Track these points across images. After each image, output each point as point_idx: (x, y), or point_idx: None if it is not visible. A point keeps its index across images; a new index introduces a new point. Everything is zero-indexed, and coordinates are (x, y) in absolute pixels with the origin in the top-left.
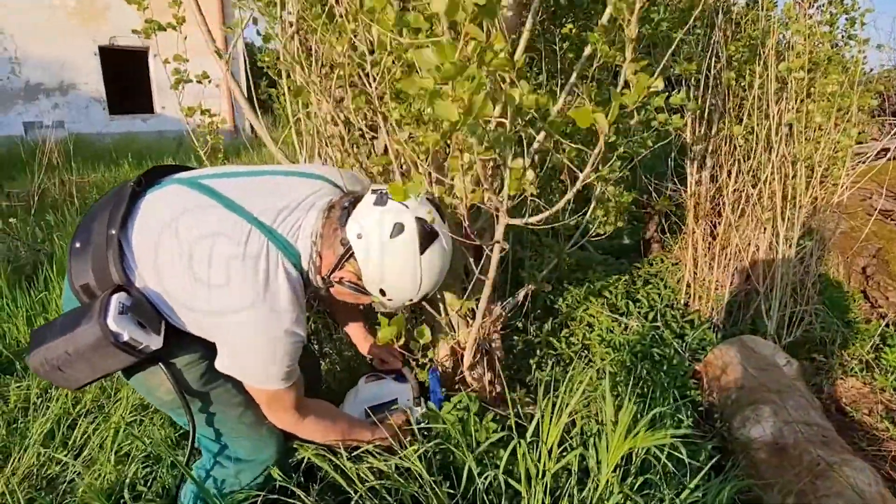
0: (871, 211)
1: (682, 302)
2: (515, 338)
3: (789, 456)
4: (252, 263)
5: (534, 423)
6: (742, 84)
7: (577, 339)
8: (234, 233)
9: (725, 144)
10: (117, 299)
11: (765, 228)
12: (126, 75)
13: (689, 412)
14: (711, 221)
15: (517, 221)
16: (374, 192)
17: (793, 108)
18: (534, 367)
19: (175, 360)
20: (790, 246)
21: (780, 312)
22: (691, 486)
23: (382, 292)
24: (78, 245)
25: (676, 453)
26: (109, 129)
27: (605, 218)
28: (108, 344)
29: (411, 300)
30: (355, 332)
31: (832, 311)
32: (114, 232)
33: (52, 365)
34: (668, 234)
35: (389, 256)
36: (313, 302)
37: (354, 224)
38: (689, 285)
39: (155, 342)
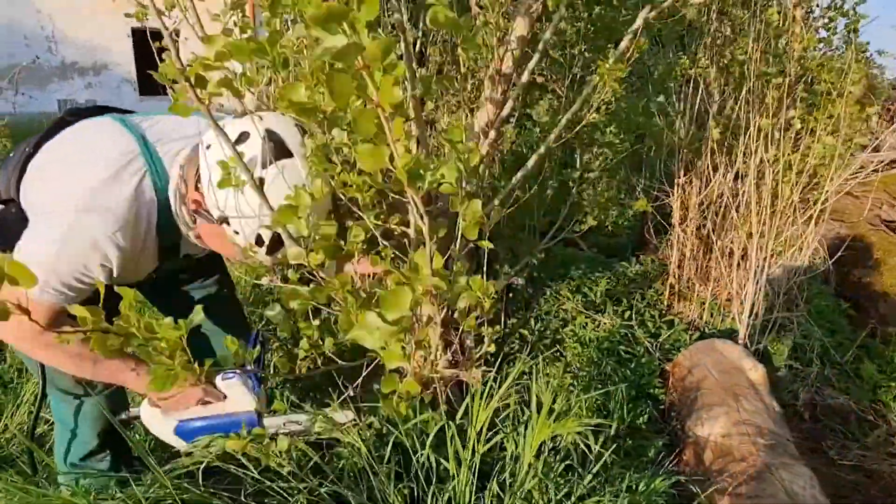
0: (877, 222)
1: (666, 303)
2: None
3: (733, 457)
4: (116, 157)
5: (463, 407)
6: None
7: (550, 334)
8: (117, 139)
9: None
10: None
11: (741, 234)
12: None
13: (646, 409)
14: (697, 224)
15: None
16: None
17: (773, 114)
18: (501, 358)
19: None
20: (762, 251)
21: (752, 318)
22: (612, 475)
23: (226, 221)
24: (10, 154)
25: (629, 445)
26: (139, 109)
27: (584, 217)
28: None
29: (259, 236)
30: None
31: (817, 320)
32: (26, 149)
33: None
34: (651, 235)
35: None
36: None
37: (207, 137)
38: (672, 286)
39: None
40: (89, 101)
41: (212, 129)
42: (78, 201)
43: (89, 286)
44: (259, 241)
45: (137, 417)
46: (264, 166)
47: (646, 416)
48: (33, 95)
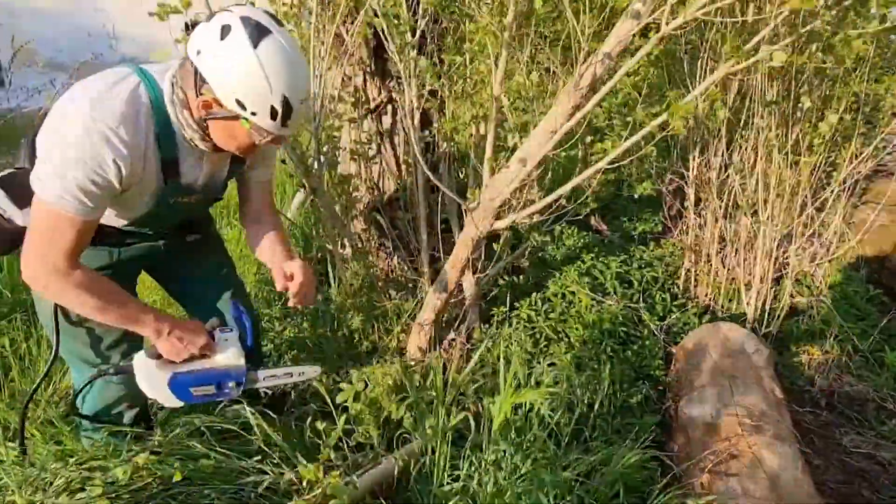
0: None
1: (681, 286)
2: (494, 310)
3: (718, 437)
4: (110, 75)
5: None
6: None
7: (556, 315)
8: (112, 69)
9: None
10: (3, 172)
11: (746, 214)
12: None
13: (643, 389)
14: (713, 206)
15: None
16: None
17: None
18: (507, 338)
19: None
20: (765, 234)
21: (761, 301)
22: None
23: (241, 105)
24: (21, 142)
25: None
26: None
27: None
28: None
29: (273, 107)
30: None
31: (841, 306)
32: (38, 125)
33: None
34: (668, 218)
35: (226, 59)
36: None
37: (192, 46)
38: (688, 270)
39: (20, 216)
40: None
41: (193, 37)
42: (81, 111)
43: (105, 190)
44: (273, 113)
45: (128, 371)
46: (255, 47)
47: (641, 396)
48: None
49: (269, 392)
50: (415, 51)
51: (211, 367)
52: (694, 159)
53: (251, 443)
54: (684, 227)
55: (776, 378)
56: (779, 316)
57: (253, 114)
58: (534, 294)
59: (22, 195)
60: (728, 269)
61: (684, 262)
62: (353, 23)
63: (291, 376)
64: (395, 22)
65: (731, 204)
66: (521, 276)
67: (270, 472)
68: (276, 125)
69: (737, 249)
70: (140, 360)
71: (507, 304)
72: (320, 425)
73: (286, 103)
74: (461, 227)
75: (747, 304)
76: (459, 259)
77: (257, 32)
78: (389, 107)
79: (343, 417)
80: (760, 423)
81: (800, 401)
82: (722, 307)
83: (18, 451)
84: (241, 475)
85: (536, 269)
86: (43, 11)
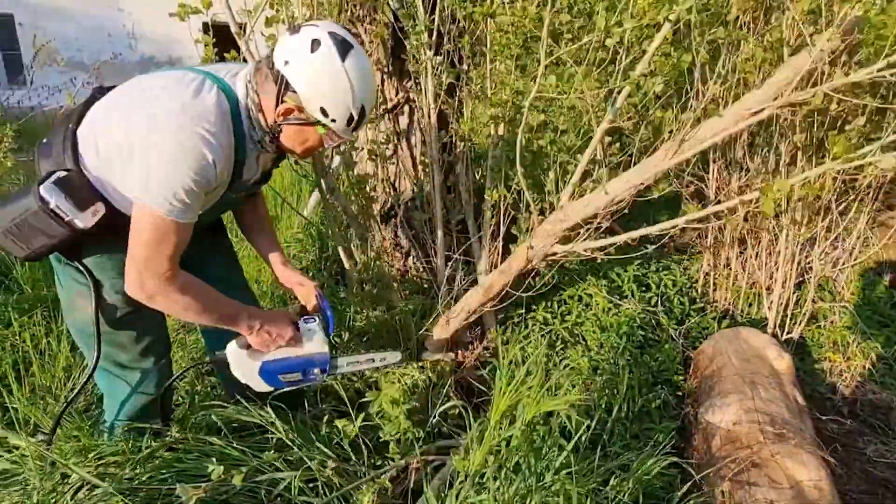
0: None
1: (700, 290)
2: (511, 313)
3: (740, 444)
4: (186, 82)
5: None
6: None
7: (572, 318)
8: (176, 72)
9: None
10: (56, 175)
11: (768, 218)
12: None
13: (661, 394)
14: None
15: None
16: (287, 29)
17: None
18: (522, 341)
19: (107, 295)
20: (787, 238)
21: (783, 307)
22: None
23: (324, 112)
24: (45, 141)
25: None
26: None
27: None
28: (40, 210)
29: (352, 114)
30: (273, 259)
31: (864, 312)
32: (69, 125)
33: (4, 230)
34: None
35: (317, 70)
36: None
37: (279, 56)
38: (707, 274)
39: (80, 218)
40: None
41: (280, 49)
42: (174, 116)
43: (204, 190)
44: (350, 120)
45: (222, 360)
46: (343, 60)
47: (659, 401)
48: None
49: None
50: (432, 51)
51: (297, 355)
52: (714, 161)
53: (267, 441)
54: (703, 230)
55: (798, 385)
56: (800, 321)
57: (333, 120)
58: (550, 296)
59: (80, 198)
60: (748, 274)
61: (703, 265)
62: (370, 23)
63: (374, 362)
64: (413, 22)
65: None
66: (536, 278)
67: (285, 471)
68: (349, 130)
69: (757, 253)
70: (233, 350)
71: (523, 306)
72: (340, 423)
73: (362, 111)
74: (478, 228)
75: (768, 308)
76: (511, 270)
77: (343, 47)
78: (406, 107)
79: (361, 416)
80: (783, 430)
81: (822, 408)
82: (742, 312)
83: (43, 445)
84: (258, 472)
85: (552, 270)
86: (64, 11)
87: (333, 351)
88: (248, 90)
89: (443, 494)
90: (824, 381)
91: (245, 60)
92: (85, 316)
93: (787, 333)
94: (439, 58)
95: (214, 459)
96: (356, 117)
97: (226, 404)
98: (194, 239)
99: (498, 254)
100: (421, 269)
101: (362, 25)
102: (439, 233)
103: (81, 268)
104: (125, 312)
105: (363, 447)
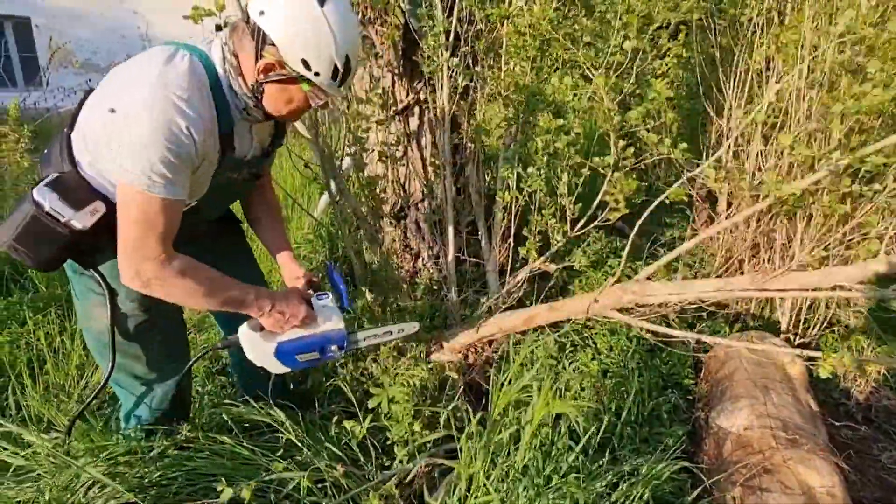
0: None
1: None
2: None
3: (752, 449)
4: (156, 54)
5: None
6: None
7: (582, 320)
8: (153, 50)
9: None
10: (49, 177)
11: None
12: None
13: (671, 398)
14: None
15: None
16: None
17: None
18: (532, 343)
19: (122, 304)
20: (801, 241)
21: (795, 311)
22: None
23: (306, 64)
24: (45, 150)
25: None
26: None
27: (616, 204)
28: (36, 214)
29: (336, 66)
30: (281, 256)
31: (878, 316)
32: (66, 130)
33: (11, 244)
34: (696, 222)
35: (294, 17)
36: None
37: (254, 6)
38: (718, 277)
39: (77, 218)
40: None
41: (254, 0)
42: (144, 87)
43: (185, 161)
44: (335, 72)
45: (234, 344)
46: (321, 4)
47: (669, 405)
48: None
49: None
50: (448, 52)
51: (312, 333)
52: (727, 163)
53: (277, 440)
54: (715, 233)
55: (811, 390)
56: (814, 326)
57: (316, 74)
58: (560, 298)
59: (75, 197)
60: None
61: (715, 266)
62: (381, 25)
63: (392, 334)
64: (431, 23)
65: (764, 209)
66: (547, 280)
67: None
68: (334, 85)
69: (769, 257)
70: (245, 333)
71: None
72: (348, 425)
73: (347, 62)
74: (488, 230)
75: (781, 313)
76: (562, 312)
77: None
78: (417, 108)
79: (368, 417)
80: (795, 436)
81: (835, 414)
82: (754, 316)
83: (56, 443)
84: (266, 472)
85: (562, 273)
86: (79, 14)
87: (350, 326)
88: (224, 53)
89: (447, 500)
90: (838, 387)
91: None
92: (101, 325)
93: (801, 338)
94: (455, 59)
95: (225, 458)
96: (341, 69)
97: (236, 403)
98: (205, 239)
99: (508, 256)
100: (431, 271)
101: (373, 27)
102: (449, 234)
103: (97, 276)
104: (140, 321)
105: (371, 448)
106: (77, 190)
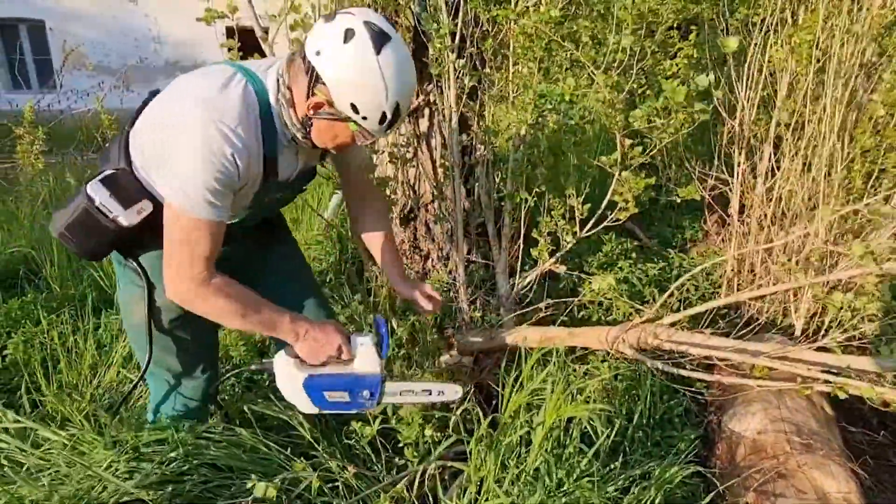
0: None
1: (724, 297)
2: (530, 317)
3: (766, 454)
4: (216, 76)
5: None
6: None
7: (593, 322)
8: (212, 68)
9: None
10: (104, 173)
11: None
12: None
13: (683, 402)
14: (759, 215)
15: None
16: (322, 16)
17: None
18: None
19: (158, 295)
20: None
21: (810, 313)
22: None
23: (355, 108)
24: (107, 146)
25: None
26: None
27: (626, 203)
28: (87, 207)
29: (384, 113)
30: (391, 270)
31: (894, 319)
32: (126, 128)
33: (62, 232)
34: (707, 225)
35: (348, 62)
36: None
37: (311, 45)
38: (730, 280)
39: (124, 215)
40: None
41: (312, 37)
42: (197, 115)
43: (229, 188)
44: (383, 118)
45: (268, 369)
46: (377, 53)
47: (681, 409)
48: (140, 93)
49: None
50: (454, 54)
51: (346, 371)
52: (739, 165)
53: (291, 437)
54: (727, 235)
55: (826, 394)
56: (828, 329)
57: (364, 118)
58: (570, 300)
59: (125, 196)
60: (774, 280)
61: (727, 271)
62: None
63: (430, 394)
64: (437, 25)
65: (777, 211)
66: (557, 281)
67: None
68: (382, 129)
69: (787, 260)
70: (280, 360)
71: (543, 310)
72: (358, 426)
73: (397, 109)
74: (497, 231)
75: (795, 316)
76: (580, 338)
77: (379, 38)
78: (426, 110)
79: (378, 420)
80: (810, 441)
81: (851, 419)
82: (767, 318)
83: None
84: (281, 469)
85: (573, 274)
86: (92, 17)
87: (386, 373)
88: (278, 84)
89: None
90: None
91: None
92: (140, 318)
93: (815, 341)
94: (462, 61)
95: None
96: (389, 116)
97: (256, 399)
98: (247, 243)
99: (518, 257)
100: (440, 272)
101: None
102: (459, 235)
103: (138, 268)
104: (175, 316)
105: (382, 450)
106: (128, 188)
